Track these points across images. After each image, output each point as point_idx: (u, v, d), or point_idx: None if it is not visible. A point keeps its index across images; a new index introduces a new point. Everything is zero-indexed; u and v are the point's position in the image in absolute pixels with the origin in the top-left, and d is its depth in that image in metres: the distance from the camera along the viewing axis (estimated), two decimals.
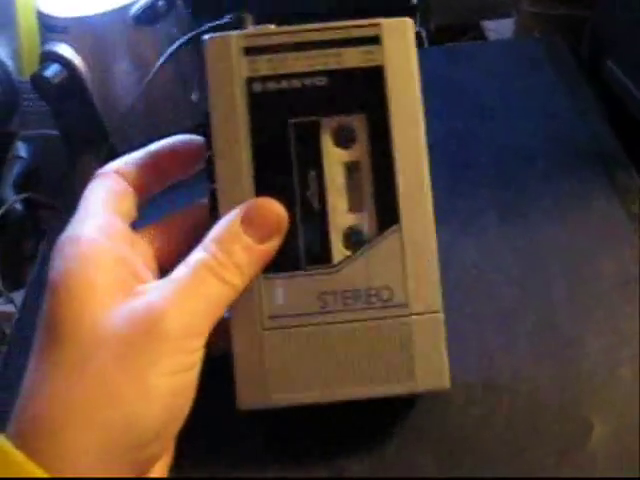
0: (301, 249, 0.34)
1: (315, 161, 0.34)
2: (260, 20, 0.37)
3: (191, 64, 0.55)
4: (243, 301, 0.33)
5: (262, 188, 0.34)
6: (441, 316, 0.34)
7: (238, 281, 0.32)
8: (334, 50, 0.34)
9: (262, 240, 0.32)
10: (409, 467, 0.35)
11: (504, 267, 0.43)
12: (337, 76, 0.34)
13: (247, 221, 0.32)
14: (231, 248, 0.32)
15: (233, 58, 0.34)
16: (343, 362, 0.34)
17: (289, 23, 0.35)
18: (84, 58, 0.50)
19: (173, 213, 0.37)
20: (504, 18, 0.66)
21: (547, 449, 0.35)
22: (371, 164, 0.34)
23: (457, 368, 0.35)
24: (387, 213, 0.34)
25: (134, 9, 0.52)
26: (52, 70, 0.49)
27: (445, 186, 0.48)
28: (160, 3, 0.52)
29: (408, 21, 0.34)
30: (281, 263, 0.33)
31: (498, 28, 0.65)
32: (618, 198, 0.46)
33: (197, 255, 0.32)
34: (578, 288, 0.42)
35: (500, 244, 0.45)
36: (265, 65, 0.34)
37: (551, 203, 0.47)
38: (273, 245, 0.33)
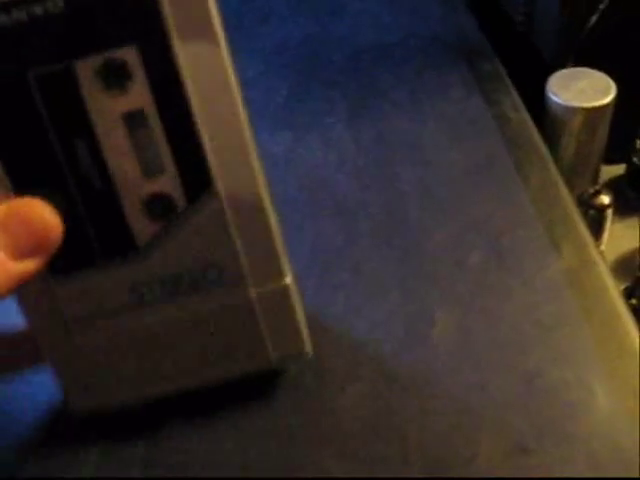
0: (92, 240, 0.26)
1: (79, 123, 0.24)
2: None
3: None
4: (39, 307, 0.27)
5: (16, 180, 0.25)
6: (288, 283, 0.28)
7: None
8: None
9: (21, 256, 0.24)
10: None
11: (350, 164, 0.39)
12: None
13: (17, 221, 0.24)
14: None
15: None
16: (173, 354, 0.29)
17: None
18: None
19: None
20: None
21: (384, 348, 0.31)
22: (158, 112, 0.24)
23: (296, 267, 0.30)
24: (194, 175, 0.25)
25: None
26: None
27: (293, 87, 0.44)
28: None
29: None
30: (70, 262, 0.26)
31: None
32: (477, 86, 0.43)
33: None
34: (426, 178, 0.38)
35: (347, 141, 0.40)
36: None
37: (405, 97, 0.43)
38: (36, 264, 0.24)
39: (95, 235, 0.26)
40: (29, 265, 0.24)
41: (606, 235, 0.45)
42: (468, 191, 0.37)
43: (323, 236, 0.36)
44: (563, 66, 0.46)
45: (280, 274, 0.28)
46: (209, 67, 0.23)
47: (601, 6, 0.46)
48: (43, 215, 0.24)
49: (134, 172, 0.25)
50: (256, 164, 0.25)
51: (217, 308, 0.29)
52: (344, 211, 0.37)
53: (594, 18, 0.46)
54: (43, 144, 0.24)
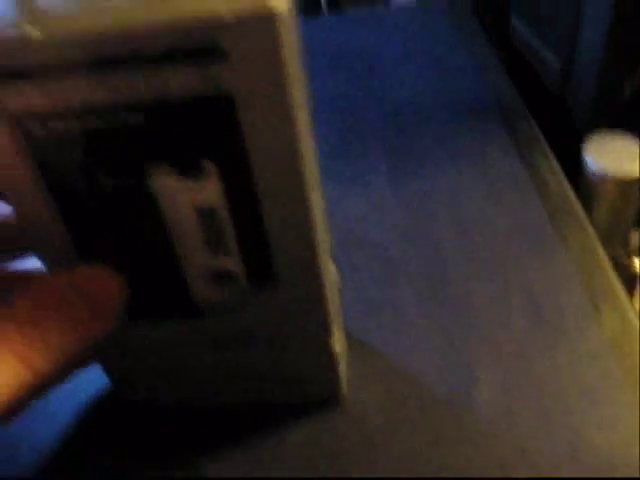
0: (156, 299, 0.28)
1: (153, 213, 0.24)
2: None
3: None
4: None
5: (86, 254, 0.26)
6: (336, 350, 0.30)
7: (45, 367, 0.23)
8: (148, 71, 0.21)
9: (92, 318, 0.25)
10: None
11: (391, 220, 0.40)
12: (158, 112, 0.22)
13: (76, 292, 0.24)
14: (47, 320, 0.23)
15: None
16: (219, 382, 0.31)
17: None
18: None
19: None
20: None
21: (429, 401, 0.32)
22: (230, 212, 0.24)
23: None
24: (257, 261, 0.26)
25: None
26: None
27: (334, 142, 0.45)
28: None
29: (276, 12, 0.19)
30: (135, 313, 0.28)
31: None
32: (515, 148, 0.44)
33: None
34: (468, 238, 0.39)
35: (389, 198, 0.41)
36: (38, 98, 0.21)
37: (445, 155, 0.44)
38: (105, 327, 0.25)
39: (158, 294, 0.28)
40: (98, 328, 0.25)
41: (637, 300, 0.45)
42: (509, 253, 0.38)
43: (364, 291, 0.37)
44: (596, 129, 0.47)
45: (328, 340, 0.30)
46: (284, 170, 0.23)
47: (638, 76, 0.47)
48: (115, 282, 0.25)
49: (200, 251, 0.26)
50: (320, 254, 0.26)
51: (264, 361, 0.30)
52: (386, 267, 0.38)
53: (630, 86, 0.47)
54: (112, 225, 0.25)
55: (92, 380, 0.32)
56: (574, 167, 0.46)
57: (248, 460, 0.31)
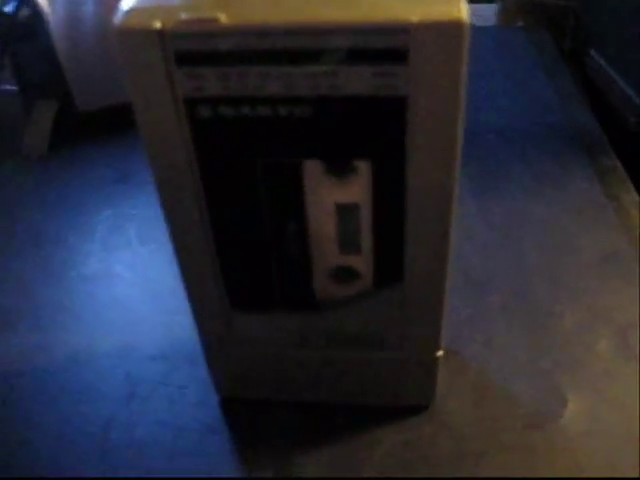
0: (278, 290, 0.28)
1: (295, 205, 0.25)
2: None
3: None
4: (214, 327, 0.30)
5: (221, 237, 0.26)
6: (439, 355, 0.31)
7: None
8: (327, 67, 0.21)
9: None
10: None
11: (478, 239, 0.41)
12: (329, 107, 0.22)
13: None
14: None
15: (158, 66, 0.21)
16: (321, 379, 0.32)
17: None
18: None
19: None
20: (488, 3, 0.65)
21: (518, 421, 0.33)
22: (372, 207, 0.25)
23: None
24: (387, 263, 0.27)
25: None
26: (13, 5, 0.46)
27: None
28: None
29: (462, 22, 0.20)
30: (256, 303, 0.29)
31: (481, 13, 0.64)
32: (598, 179, 0.45)
33: None
34: (554, 262, 0.40)
35: (474, 217, 0.42)
36: (213, 82, 0.22)
37: (529, 180, 0.45)
38: None
39: (281, 286, 0.28)
40: None
41: None
42: (594, 280, 0.39)
43: (453, 305, 0.37)
44: None
45: (436, 348, 0.30)
46: (438, 174, 0.24)
47: None
48: None
49: (331, 247, 0.26)
50: (446, 266, 0.27)
51: (370, 362, 0.31)
52: (472, 282, 0.39)
53: None
54: (253, 217, 0.26)
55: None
56: None
57: (340, 459, 0.32)
